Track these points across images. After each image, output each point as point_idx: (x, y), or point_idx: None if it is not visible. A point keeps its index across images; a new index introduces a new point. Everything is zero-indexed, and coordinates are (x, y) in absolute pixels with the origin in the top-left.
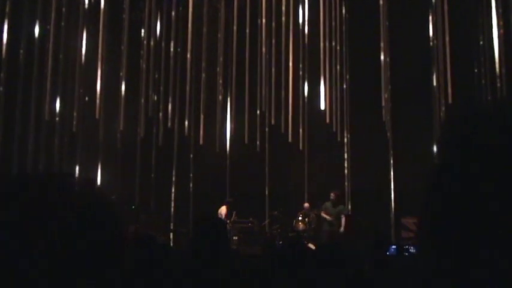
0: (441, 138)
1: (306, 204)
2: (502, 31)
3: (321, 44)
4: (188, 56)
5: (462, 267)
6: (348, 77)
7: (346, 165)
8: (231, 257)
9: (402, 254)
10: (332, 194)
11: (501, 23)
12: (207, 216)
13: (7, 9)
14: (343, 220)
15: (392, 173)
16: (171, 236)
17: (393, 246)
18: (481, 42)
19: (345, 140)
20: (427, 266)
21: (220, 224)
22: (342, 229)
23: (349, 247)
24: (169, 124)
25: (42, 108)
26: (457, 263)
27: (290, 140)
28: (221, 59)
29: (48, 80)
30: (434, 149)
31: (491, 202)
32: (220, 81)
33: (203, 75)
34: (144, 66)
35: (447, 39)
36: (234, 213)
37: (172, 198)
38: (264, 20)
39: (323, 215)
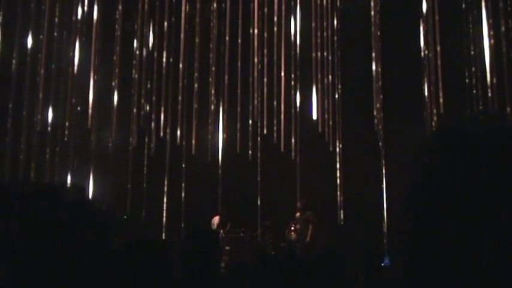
0: (428, 145)
1: (298, 214)
2: (492, 41)
3: (313, 54)
4: (180, 66)
5: (445, 268)
6: (339, 86)
7: (338, 174)
8: (227, 267)
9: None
10: (298, 203)
11: (492, 33)
12: (198, 227)
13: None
14: (310, 229)
15: (384, 182)
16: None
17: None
18: (472, 53)
19: (337, 149)
20: (407, 267)
21: (212, 234)
22: (308, 239)
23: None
24: (161, 134)
25: (34, 118)
26: (438, 264)
27: (282, 149)
28: (213, 69)
29: (40, 90)
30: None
31: (476, 204)
32: (213, 91)
33: (195, 85)
34: (136, 76)
35: (438, 49)
36: (229, 224)
37: (164, 207)
38: (256, 31)
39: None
